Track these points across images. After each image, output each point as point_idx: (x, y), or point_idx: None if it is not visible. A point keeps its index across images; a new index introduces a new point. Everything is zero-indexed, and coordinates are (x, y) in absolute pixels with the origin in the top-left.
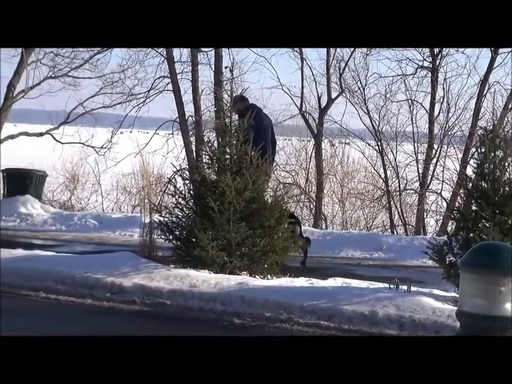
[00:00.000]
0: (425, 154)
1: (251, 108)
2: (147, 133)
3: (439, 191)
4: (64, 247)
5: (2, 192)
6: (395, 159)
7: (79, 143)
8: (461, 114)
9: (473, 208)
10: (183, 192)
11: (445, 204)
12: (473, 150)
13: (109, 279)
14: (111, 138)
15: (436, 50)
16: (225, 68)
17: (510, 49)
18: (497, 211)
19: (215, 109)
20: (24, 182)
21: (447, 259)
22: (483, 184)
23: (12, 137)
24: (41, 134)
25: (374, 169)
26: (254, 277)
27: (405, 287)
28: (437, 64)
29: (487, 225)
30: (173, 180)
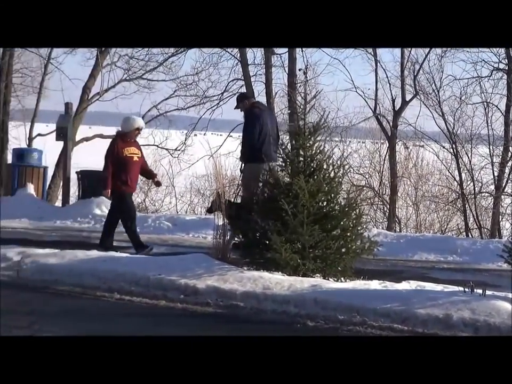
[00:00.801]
0: (500, 157)
1: (256, 106)
2: (220, 135)
3: None
4: None
5: (77, 193)
6: (470, 161)
7: (153, 145)
8: None
9: None
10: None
11: None
12: None
13: (182, 281)
14: (185, 140)
15: None
16: (299, 70)
17: None
18: None
19: (289, 111)
20: (98, 183)
21: None
22: None
23: (86, 139)
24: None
25: (449, 172)
26: (328, 279)
27: (480, 291)
28: None
29: None
30: None
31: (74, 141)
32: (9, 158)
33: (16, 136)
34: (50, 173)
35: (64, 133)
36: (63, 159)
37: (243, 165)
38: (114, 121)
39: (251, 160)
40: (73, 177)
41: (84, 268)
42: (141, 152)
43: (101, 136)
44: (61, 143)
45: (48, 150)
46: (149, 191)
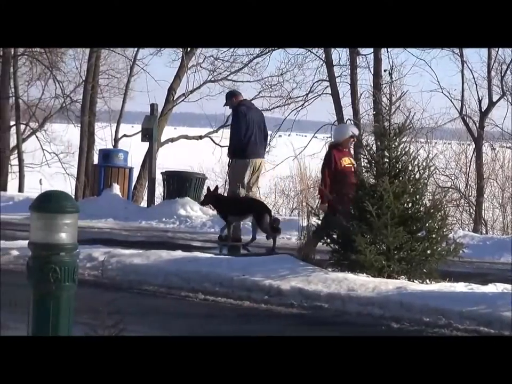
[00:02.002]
0: None
1: (243, 103)
2: (305, 136)
3: None
4: (222, 250)
5: (162, 194)
6: None
7: None
8: None
9: None
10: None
11: None
12: None
13: (266, 281)
14: (270, 141)
15: None
16: (384, 71)
17: None
18: None
19: (374, 112)
20: (183, 184)
21: None
22: None
23: (172, 140)
24: (200, 137)
25: None
26: (413, 281)
27: None
28: None
29: None
30: None
31: (160, 141)
32: (96, 159)
33: (102, 137)
34: (135, 173)
35: (149, 134)
36: (148, 160)
37: (230, 160)
38: (199, 122)
39: (237, 156)
40: (158, 177)
41: (169, 268)
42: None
43: (186, 137)
44: (146, 144)
45: (134, 150)
46: None
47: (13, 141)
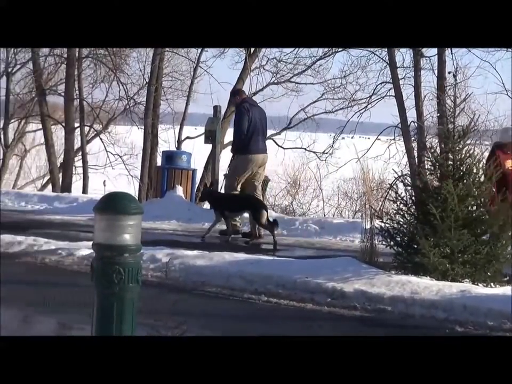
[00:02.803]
0: None
1: (246, 101)
2: (368, 138)
3: None
4: (285, 252)
5: None
6: None
7: (301, 148)
8: None
9: None
10: (405, 198)
11: None
12: None
13: (329, 284)
14: (333, 143)
15: None
16: (449, 73)
17: None
18: None
19: (438, 114)
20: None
21: None
22: None
23: None
24: None
25: None
26: (477, 284)
27: None
28: None
29: None
30: (394, 186)
31: (223, 143)
32: (159, 161)
33: (166, 139)
34: (198, 175)
35: (212, 136)
36: (211, 162)
37: (233, 156)
38: None
39: (240, 152)
40: (222, 179)
41: (232, 270)
42: None
43: None
44: (209, 146)
45: (197, 152)
46: (296, 194)
47: (77, 143)
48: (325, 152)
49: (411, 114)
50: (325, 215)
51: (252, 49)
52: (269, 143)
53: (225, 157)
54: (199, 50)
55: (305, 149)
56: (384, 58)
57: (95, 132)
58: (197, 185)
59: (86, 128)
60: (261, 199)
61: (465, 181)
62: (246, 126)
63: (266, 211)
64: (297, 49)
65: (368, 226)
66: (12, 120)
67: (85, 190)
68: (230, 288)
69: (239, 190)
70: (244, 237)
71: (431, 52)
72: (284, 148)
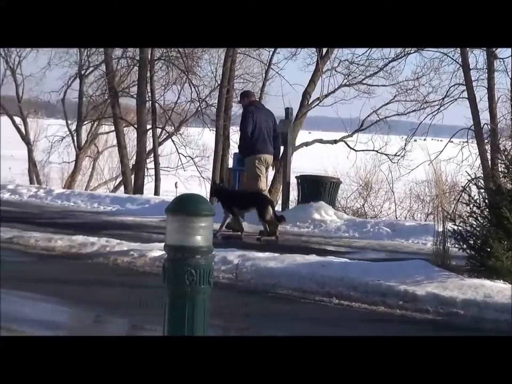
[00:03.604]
0: None
1: (253, 104)
2: (441, 140)
3: None
4: (356, 254)
5: (296, 198)
6: None
7: (373, 150)
8: None
9: None
10: (478, 201)
11: None
12: None
13: (401, 287)
14: (405, 146)
15: None
16: None
17: None
18: None
19: None
20: (318, 188)
21: None
22: None
23: (306, 144)
24: (335, 141)
25: None
26: None
27: None
28: None
29: None
30: (467, 189)
31: (294, 145)
32: (230, 162)
33: (237, 140)
34: (270, 177)
35: (284, 138)
36: (283, 164)
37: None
38: (333, 126)
39: (246, 154)
40: (293, 181)
41: (303, 272)
42: None
43: (321, 141)
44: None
45: None
46: (368, 196)
47: (149, 145)
48: (397, 154)
49: (484, 117)
50: (396, 218)
51: (324, 51)
52: (340, 145)
53: (297, 158)
54: (271, 52)
55: (377, 151)
56: (457, 60)
57: (167, 134)
58: (268, 187)
59: (158, 130)
60: (267, 196)
61: None
62: (251, 129)
63: (272, 207)
64: (369, 50)
65: (440, 229)
66: (85, 122)
67: (156, 192)
68: (301, 290)
69: (264, 189)
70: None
71: (505, 53)
72: (355, 150)
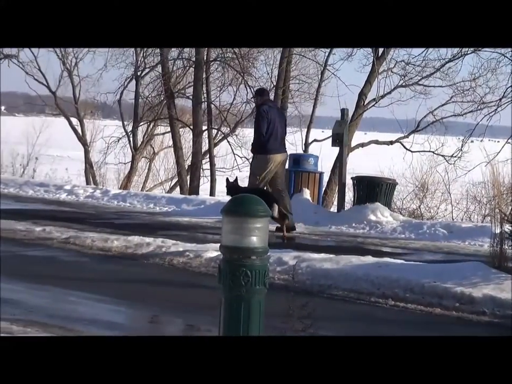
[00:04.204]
0: None
1: (266, 103)
2: (498, 141)
3: None
4: (412, 256)
5: (352, 199)
6: None
7: (429, 151)
8: None
9: None
10: None
11: None
12: None
13: (458, 289)
14: (461, 147)
15: None
16: None
17: None
18: None
19: None
20: (373, 189)
21: None
22: None
23: (362, 145)
24: (391, 142)
25: None
26: None
27: None
28: None
29: None
30: None
31: (350, 146)
32: (286, 163)
33: (293, 141)
34: (325, 178)
35: (340, 138)
36: (339, 165)
37: (253, 155)
38: (389, 127)
39: (259, 152)
40: (349, 182)
41: (359, 273)
42: None
43: (376, 142)
44: (336, 149)
45: (324, 155)
46: (424, 197)
47: (205, 146)
48: (454, 155)
49: None
50: (453, 219)
51: (380, 52)
52: (396, 146)
53: (353, 159)
54: (327, 53)
55: (433, 152)
56: None
57: (223, 135)
58: (324, 188)
59: (214, 131)
60: (284, 194)
61: None
62: (265, 128)
63: (278, 205)
64: (425, 51)
65: (497, 231)
66: (141, 123)
67: (212, 193)
68: (357, 291)
69: (263, 187)
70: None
71: None
72: (411, 151)
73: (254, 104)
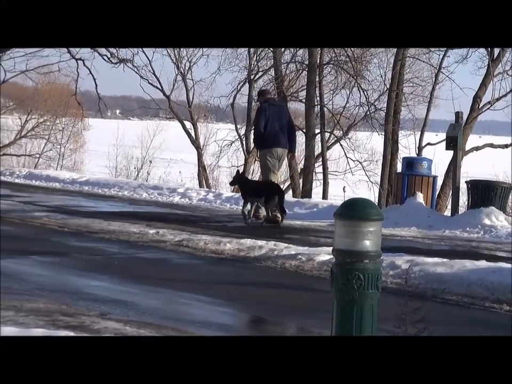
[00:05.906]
0: None
1: (267, 101)
2: None
3: None
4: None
5: (466, 203)
6: None
7: None
8: None
9: None
10: None
11: None
12: None
13: None
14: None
15: None
16: None
17: None
18: None
19: None
20: (488, 193)
21: None
22: None
23: (476, 148)
24: (506, 146)
25: None
26: None
27: None
28: None
29: None
30: None
31: (464, 150)
32: (399, 167)
33: (406, 145)
34: (439, 182)
35: (454, 142)
36: (453, 169)
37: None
38: (504, 130)
39: (260, 147)
40: (463, 186)
41: (473, 278)
42: None
43: (491, 145)
44: (450, 153)
45: (438, 159)
46: None
47: (317, 149)
48: None
49: None
50: None
51: (496, 54)
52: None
53: (467, 163)
54: (441, 55)
55: None
56: None
57: (336, 138)
58: (437, 192)
59: (327, 134)
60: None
61: None
62: (263, 124)
63: (280, 198)
64: None
65: None
66: (253, 127)
67: (325, 196)
68: (470, 296)
69: (277, 179)
70: (267, 223)
71: None
72: None
73: (366, 108)
